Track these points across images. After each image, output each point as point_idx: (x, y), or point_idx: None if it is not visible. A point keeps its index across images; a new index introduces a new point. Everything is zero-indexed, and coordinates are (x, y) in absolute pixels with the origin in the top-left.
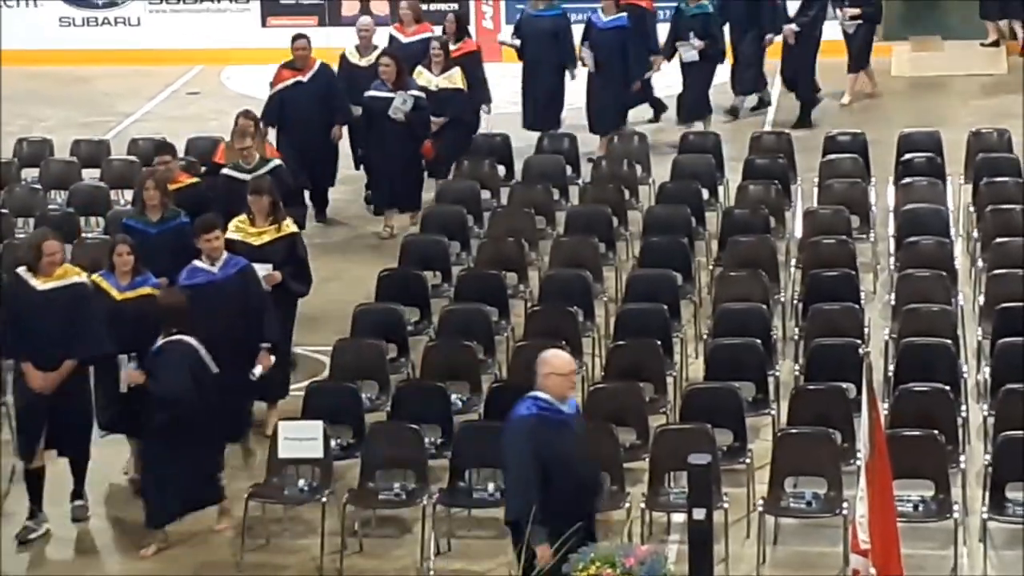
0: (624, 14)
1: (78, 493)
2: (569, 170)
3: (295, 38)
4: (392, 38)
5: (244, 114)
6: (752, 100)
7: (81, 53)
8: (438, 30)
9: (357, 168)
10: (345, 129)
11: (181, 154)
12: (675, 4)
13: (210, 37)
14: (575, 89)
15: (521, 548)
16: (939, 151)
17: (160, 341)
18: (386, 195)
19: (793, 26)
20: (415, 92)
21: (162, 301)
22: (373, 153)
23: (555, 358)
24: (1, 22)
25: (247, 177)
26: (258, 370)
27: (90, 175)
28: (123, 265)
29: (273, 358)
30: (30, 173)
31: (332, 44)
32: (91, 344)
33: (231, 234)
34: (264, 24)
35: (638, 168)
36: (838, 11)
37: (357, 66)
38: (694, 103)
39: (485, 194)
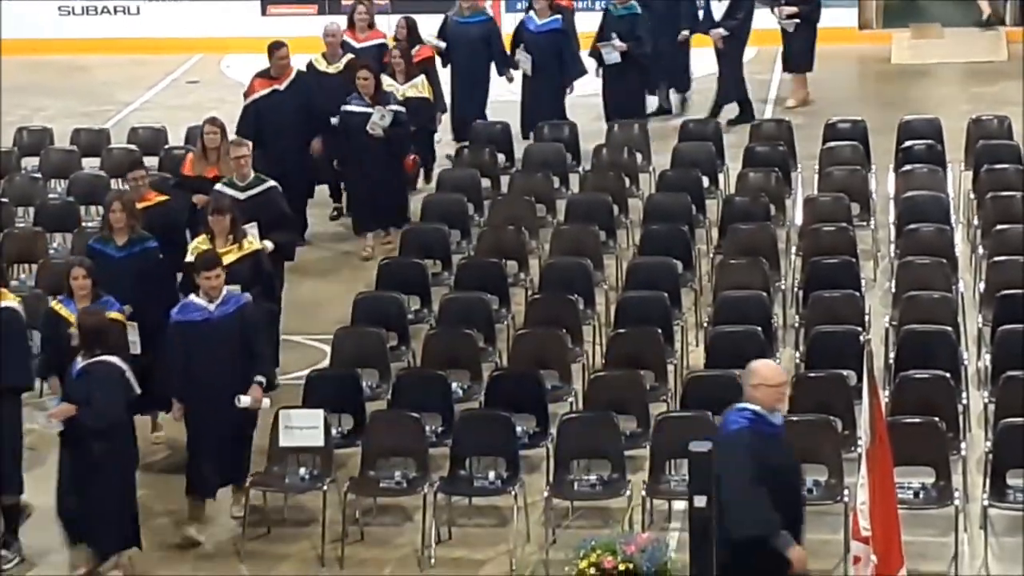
0: (559, 16)
1: (6, 542)
2: (569, 158)
3: (276, 46)
4: (344, 43)
5: (211, 121)
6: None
7: (80, 42)
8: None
9: (319, 183)
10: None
11: (181, 143)
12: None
13: (210, 25)
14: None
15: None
16: (939, 138)
17: (81, 363)
18: (367, 215)
19: (721, 30)
20: (394, 107)
21: (82, 320)
22: (351, 171)
23: (765, 368)
24: (0, 11)
25: (241, 196)
26: (246, 400)
27: (90, 164)
28: (80, 289)
29: (265, 399)
30: (30, 162)
31: None
32: (14, 372)
33: (191, 256)
34: (264, 12)
35: (638, 156)
36: (775, 9)
37: (325, 73)
38: (625, 104)
39: (485, 182)
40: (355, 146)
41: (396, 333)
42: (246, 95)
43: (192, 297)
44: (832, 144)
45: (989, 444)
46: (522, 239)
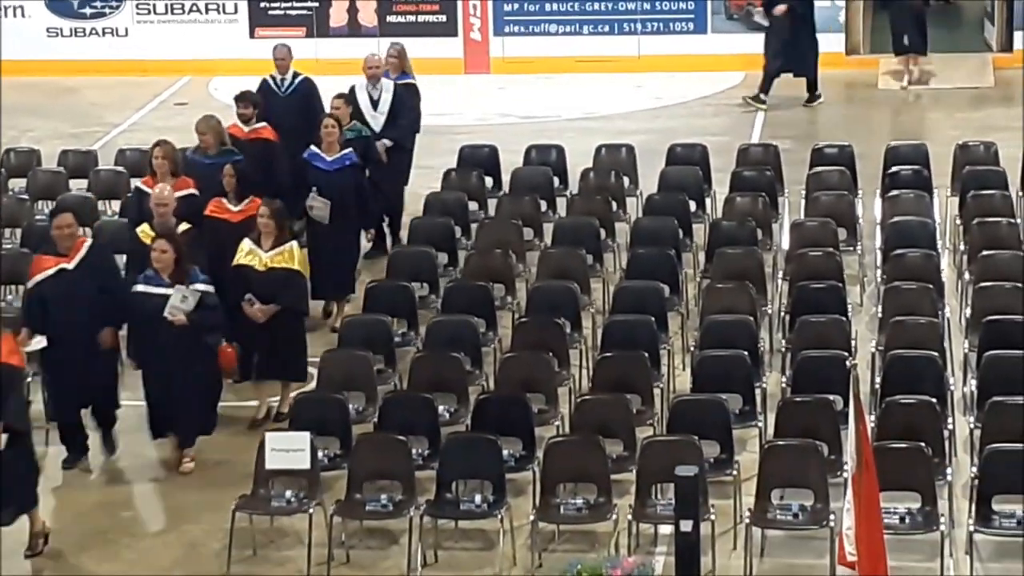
0: (350, 149)
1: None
2: (556, 181)
3: (54, 212)
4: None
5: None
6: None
7: (69, 64)
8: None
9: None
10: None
11: None
12: None
13: (198, 47)
14: None
15: None
16: (926, 164)
17: None
18: (163, 421)
19: (385, 141)
20: (200, 287)
21: None
22: (146, 369)
23: None
24: None
25: None
26: None
27: (78, 186)
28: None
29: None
30: (17, 183)
31: (320, 55)
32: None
33: None
34: (252, 35)
35: (625, 180)
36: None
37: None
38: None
39: (472, 205)
40: (150, 337)
41: (383, 356)
42: (29, 275)
43: None
44: (819, 169)
45: (975, 470)
46: (509, 262)
